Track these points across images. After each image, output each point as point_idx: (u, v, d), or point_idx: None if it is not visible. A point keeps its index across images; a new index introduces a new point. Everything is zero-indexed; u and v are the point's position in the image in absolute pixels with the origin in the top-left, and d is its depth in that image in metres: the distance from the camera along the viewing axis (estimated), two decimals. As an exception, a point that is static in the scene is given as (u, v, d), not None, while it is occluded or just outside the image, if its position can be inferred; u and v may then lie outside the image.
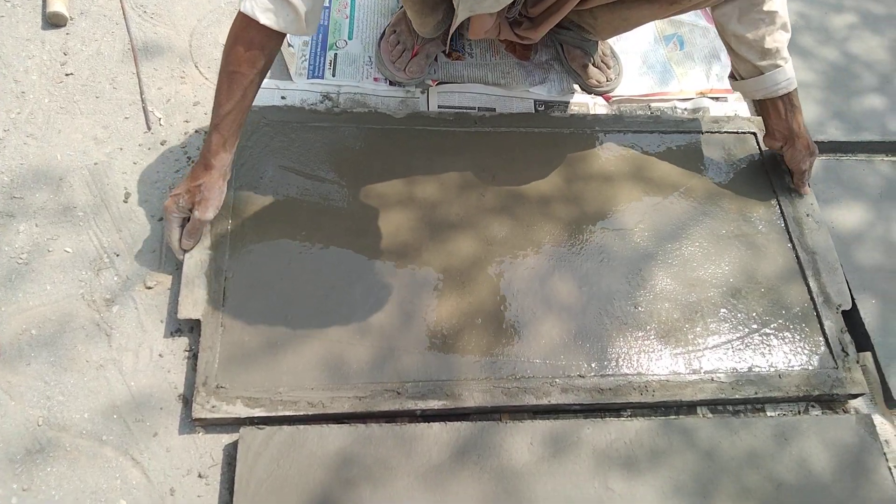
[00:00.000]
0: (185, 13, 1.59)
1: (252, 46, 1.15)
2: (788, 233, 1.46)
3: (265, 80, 1.49)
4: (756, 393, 1.27)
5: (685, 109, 1.66)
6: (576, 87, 1.65)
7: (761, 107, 1.48)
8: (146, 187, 1.36)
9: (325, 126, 1.45)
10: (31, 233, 1.28)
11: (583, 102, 1.63)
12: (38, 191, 1.32)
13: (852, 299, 1.41)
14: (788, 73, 1.39)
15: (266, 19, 1.12)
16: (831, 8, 1.89)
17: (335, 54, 1.58)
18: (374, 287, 1.28)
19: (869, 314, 1.40)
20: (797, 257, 1.43)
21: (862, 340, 1.39)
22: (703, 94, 1.68)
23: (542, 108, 1.61)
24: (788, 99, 1.43)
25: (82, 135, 1.40)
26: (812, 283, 1.40)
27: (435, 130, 1.49)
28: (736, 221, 1.46)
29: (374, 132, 1.46)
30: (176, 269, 1.27)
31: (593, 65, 1.63)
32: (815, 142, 1.62)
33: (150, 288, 1.26)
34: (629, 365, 1.27)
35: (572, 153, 1.50)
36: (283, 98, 1.50)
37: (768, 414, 1.30)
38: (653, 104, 1.66)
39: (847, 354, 1.34)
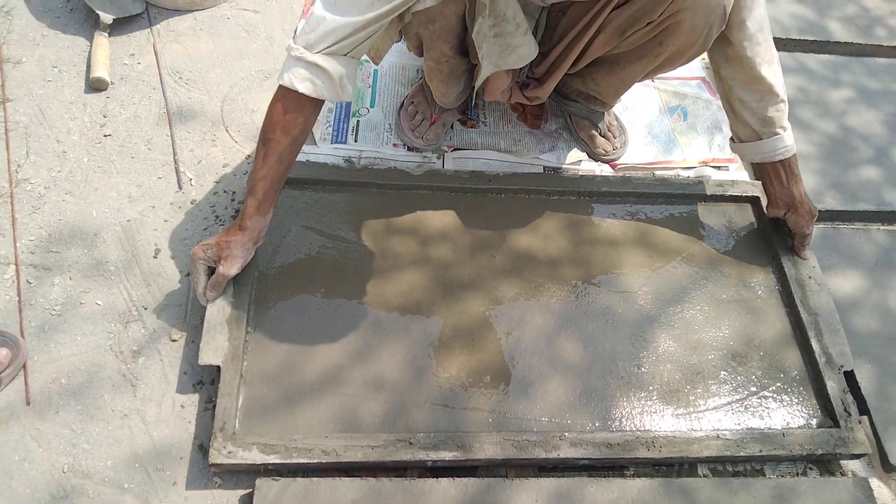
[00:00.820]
0: (218, 80, 1.70)
1: (287, 113, 1.24)
2: (791, 294, 1.51)
3: (290, 145, 1.59)
4: (761, 451, 1.30)
5: (688, 178, 1.73)
6: (584, 154, 1.73)
7: (762, 174, 1.54)
8: (175, 244, 1.43)
9: (346, 186, 1.53)
10: (65, 286, 1.35)
11: (590, 170, 1.71)
12: (74, 246, 1.40)
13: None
14: (787, 141, 1.46)
15: (304, 88, 1.21)
16: (829, 83, 1.98)
17: (357, 121, 1.67)
18: (389, 343, 1.34)
19: (865, 379, 1.44)
20: (800, 318, 1.48)
21: (859, 405, 1.43)
22: (705, 164, 1.76)
23: (552, 173, 1.69)
24: (788, 165, 1.49)
25: (117, 193, 1.48)
26: (815, 344, 1.44)
27: (450, 194, 1.57)
28: (736, 287, 1.52)
29: (393, 194, 1.54)
30: (200, 322, 1.34)
31: (600, 134, 1.72)
32: (814, 211, 1.70)
33: (174, 341, 1.32)
34: (632, 424, 1.32)
35: (579, 217, 1.58)
36: (307, 161, 1.58)
37: (767, 476, 1.33)
38: (657, 172, 1.73)
39: (850, 415, 1.37)
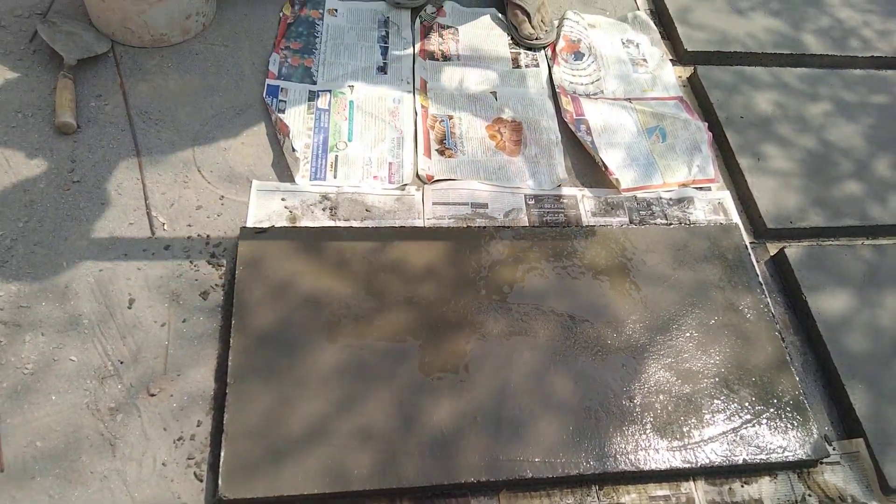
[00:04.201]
0: (189, 118, 1.66)
1: None
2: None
3: (265, 182, 1.56)
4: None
5: (670, 200, 1.72)
6: (560, 177, 1.71)
7: None
8: (150, 293, 1.39)
9: (328, 229, 1.50)
10: (36, 342, 1.30)
11: (571, 195, 1.69)
12: (45, 299, 1.35)
13: (842, 385, 1.44)
14: None
15: None
16: (807, 97, 1.97)
17: (336, 156, 1.64)
18: (375, 389, 1.30)
19: (859, 400, 1.43)
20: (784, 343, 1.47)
21: (854, 426, 1.42)
22: (685, 185, 1.74)
23: (532, 201, 1.67)
24: None
25: (88, 241, 1.43)
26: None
27: (431, 230, 1.54)
28: (724, 311, 1.50)
29: (373, 233, 1.51)
30: (178, 375, 1.30)
31: (530, 23, 1.97)
32: (798, 228, 1.69)
33: (153, 395, 1.28)
34: (627, 461, 1.29)
35: (564, 247, 1.55)
36: (283, 200, 1.55)
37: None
38: (639, 195, 1.71)
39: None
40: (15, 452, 1.19)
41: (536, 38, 1.97)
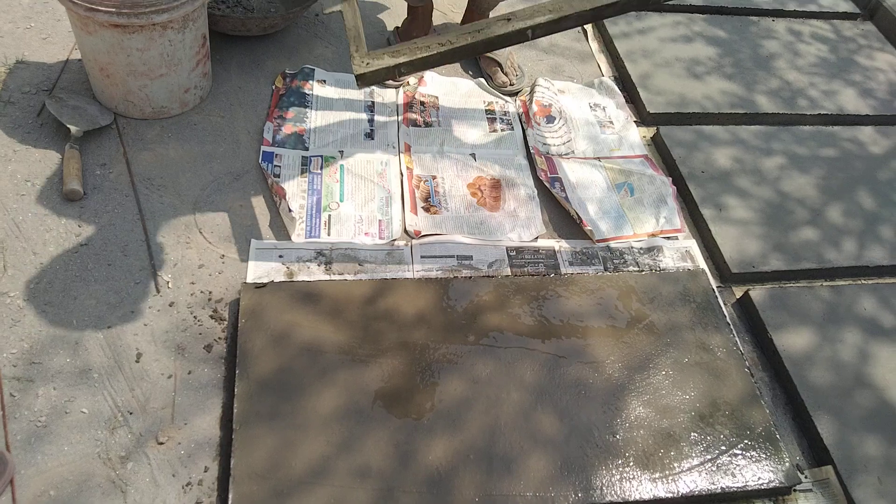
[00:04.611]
0: (189, 184, 1.76)
1: None
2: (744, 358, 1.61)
3: (263, 241, 1.66)
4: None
5: (641, 249, 1.84)
6: (537, 228, 1.84)
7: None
8: (157, 347, 1.46)
9: (323, 283, 1.60)
10: (49, 396, 1.37)
11: (549, 246, 1.81)
12: (56, 355, 1.42)
13: (810, 417, 1.54)
14: None
15: None
16: (762, 152, 2.13)
17: (329, 215, 1.75)
18: (372, 431, 1.38)
19: (826, 430, 1.52)
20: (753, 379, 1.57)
21: (822, 455, 1.51)
22: (654, 235, 1.87)
23: (513, 252, 1.78)
24: None
25: (96, 300, 1.51)
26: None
27: (421, 280, 1.64)
28: (696, 350, 1.61)
29: (367, 282, 1.61)
30: (185, 424, 1.36)
31: (502, 71, 2.22)
32: (761, 272, 1.82)
33: (161, 443, 1.34)
34: (613, 493, 1.37)
35: (545, 294, 1.66)
36: (280, 256, 1.65)
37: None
38: (612, 246, 1.84)
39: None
40: (29, 502, 1.24)
41: (510, 84, 2.23)
